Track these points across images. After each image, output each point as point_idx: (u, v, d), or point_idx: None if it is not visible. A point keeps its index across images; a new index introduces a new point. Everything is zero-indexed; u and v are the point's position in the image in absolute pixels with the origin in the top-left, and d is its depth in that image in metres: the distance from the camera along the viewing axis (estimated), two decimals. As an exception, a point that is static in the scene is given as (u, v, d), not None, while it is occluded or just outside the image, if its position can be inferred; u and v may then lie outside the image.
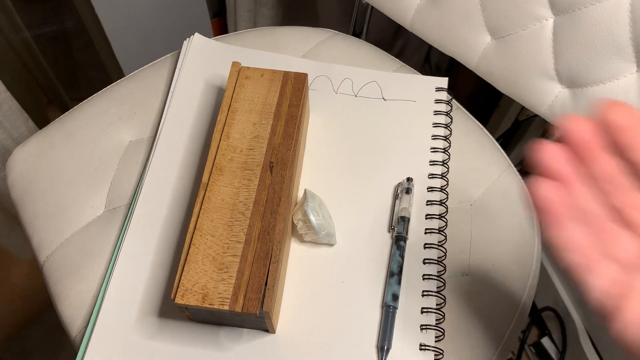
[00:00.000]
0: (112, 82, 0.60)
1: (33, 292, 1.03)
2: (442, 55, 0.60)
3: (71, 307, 0.48)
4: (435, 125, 0.56)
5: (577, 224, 0.26)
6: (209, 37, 0.63)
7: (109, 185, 0.53)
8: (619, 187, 0.27)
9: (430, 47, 0.63)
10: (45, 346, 0.99)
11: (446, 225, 0.51)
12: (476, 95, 0.96)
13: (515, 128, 0.95)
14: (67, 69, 1.14)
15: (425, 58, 1.08)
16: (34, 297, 1.02)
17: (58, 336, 0.47)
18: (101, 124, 0.57)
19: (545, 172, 0.26)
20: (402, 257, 0.48)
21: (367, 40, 0.67)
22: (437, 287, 0.47)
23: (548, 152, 0.26)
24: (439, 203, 0.52)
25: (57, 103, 1.14)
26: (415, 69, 0.63)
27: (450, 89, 0.59)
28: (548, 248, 0.26)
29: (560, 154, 0.26)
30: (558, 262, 0.26)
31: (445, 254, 0.49)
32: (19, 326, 1.00)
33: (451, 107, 0.58)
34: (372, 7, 0.64)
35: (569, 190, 0.26)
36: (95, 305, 0.47)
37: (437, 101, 0.58)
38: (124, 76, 0.61)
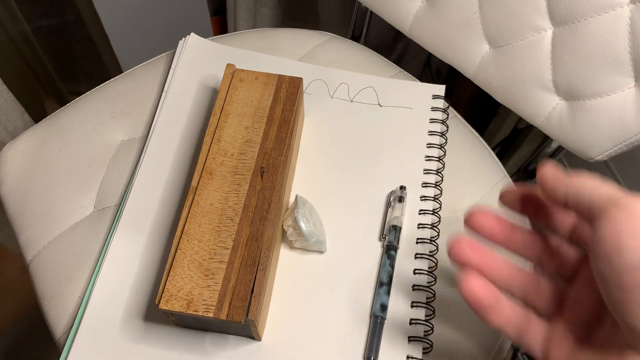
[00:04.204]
0: (111, 77, 0.60)
1: (25, 286, 1.02)
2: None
3: (56, 307, 0.48)
4: (431, 133, 0.56)
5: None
6: (208, 34, 0.62)
7: (99, 184, 0.53)
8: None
9: (431, 52, 0.62)
10: (35, 340, 0.98)
11: (438, 235, 0.50)
12: (475, 102, 0.95)
13: (514, 136, 0.94)
14: (66, 63, 1.14)
15: (426, 62, 1.07)
16: (25, 291, 1.02)
17: (48, 331, 0.47)
18: (93, 122, 0.56)
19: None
20: (392, 267, 0.48)
21: (367, 43, 0.66)
22: (427, 298, 0.47)
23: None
24: (431, 212, 0.51)
25: (55, 96, 1.13)
26: (415, 73, 0.62)
27: (450, 95, 0.58)
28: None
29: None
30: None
31: (436, 264, 0.49)
32: (10, 320, 0.99)
33: (447, 115, 0.57)
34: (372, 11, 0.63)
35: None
36: (80, 306, 0.46)
37: (434, 109, 0.57)
38: (122, 71, 0.60)
